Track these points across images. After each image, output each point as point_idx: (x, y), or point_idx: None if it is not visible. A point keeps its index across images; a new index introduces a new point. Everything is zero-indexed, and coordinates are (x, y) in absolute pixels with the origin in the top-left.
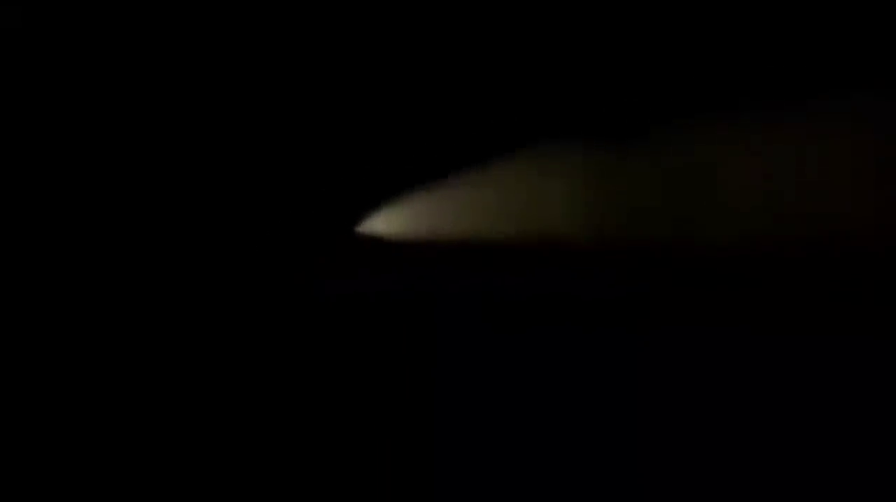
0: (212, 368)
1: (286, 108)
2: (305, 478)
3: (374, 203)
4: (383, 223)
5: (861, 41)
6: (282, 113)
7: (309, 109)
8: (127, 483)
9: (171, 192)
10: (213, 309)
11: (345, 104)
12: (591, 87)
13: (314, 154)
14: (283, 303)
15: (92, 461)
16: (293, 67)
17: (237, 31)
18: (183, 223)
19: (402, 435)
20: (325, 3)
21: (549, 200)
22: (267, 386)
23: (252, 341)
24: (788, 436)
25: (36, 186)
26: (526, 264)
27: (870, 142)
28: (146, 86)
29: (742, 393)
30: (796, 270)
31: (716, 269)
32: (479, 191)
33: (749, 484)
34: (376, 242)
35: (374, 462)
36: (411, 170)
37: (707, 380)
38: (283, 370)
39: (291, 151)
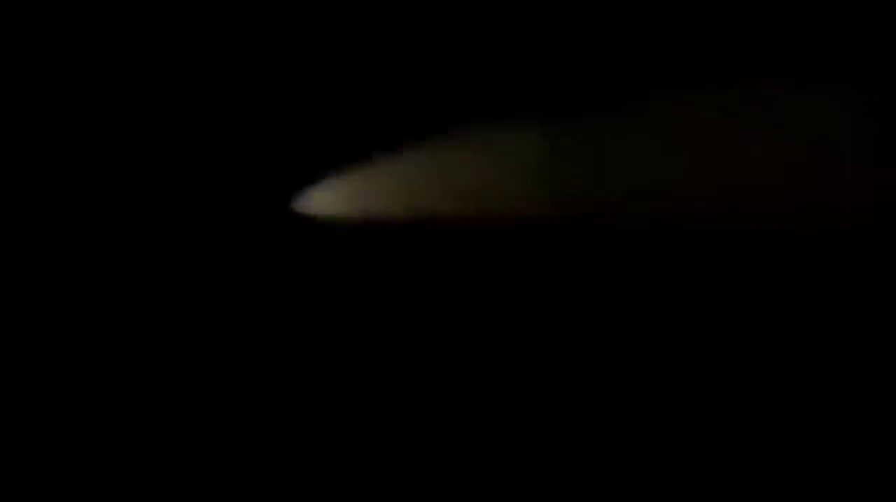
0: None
1: (226, 89)
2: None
3: (319, 180)
4: (325, 201)
5: (824, 28)
6: (221, 94)
7: (249, 88)
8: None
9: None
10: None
11: (289, 79)
12: (545, 66)
13: (254, 135)
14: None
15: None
16: (231, 48)
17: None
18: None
19: None
20: None
21: (499, 178)
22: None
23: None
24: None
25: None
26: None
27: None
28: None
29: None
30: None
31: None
32: (424, 168)
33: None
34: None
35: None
36: (354, 148)
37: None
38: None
39: (229, 133)
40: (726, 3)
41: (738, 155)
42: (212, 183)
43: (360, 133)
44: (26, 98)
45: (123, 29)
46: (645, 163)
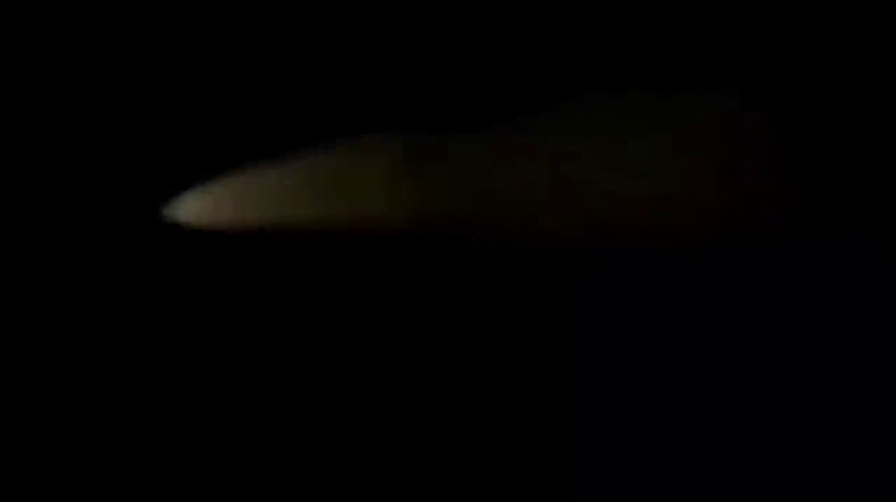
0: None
1: (85, 99)
2: None
3: (187, 189)
4: (195, 209)
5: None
6: (80, 103)
7: (110, 97)
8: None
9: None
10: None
11: (158, 89)
12: (408, 81)
13: (122, 141)
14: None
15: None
16: (95, 54)
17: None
18: None
19: None
20: None
21: (361, 190)
22: None
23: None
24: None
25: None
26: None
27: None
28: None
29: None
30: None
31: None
32: (289, 178)
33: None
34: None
35: None
36: (223, 157)
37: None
38: None
39: (88, 142)
40: (596, 17)
41: (607, 173)
42: (79, 189)
43: (229, 142)
44: (26, 98)
45: (126, 30)
46: (499, 181)
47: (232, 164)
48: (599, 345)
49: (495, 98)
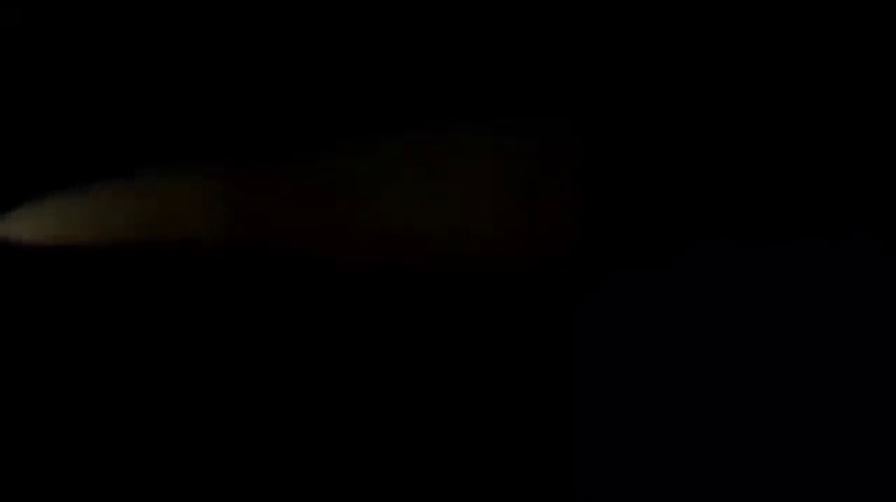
0: None
1: None
2: None
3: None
4: (17, 227)
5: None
6: None
7: None
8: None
9: None
10: None
11: None
12: (238, 110)
13: None
14: None
15: None
16: None
17: None
18: None
19: None
20: None
21: (187, 214)
22: None
23: None
24: None
25: None
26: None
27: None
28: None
29: None
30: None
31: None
32: (115, 199)
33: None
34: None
35: None
36: (50, 176)
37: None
38: None
39: None
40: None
41: (418, 204)
42: None
43: (54, 162)
44: (26, 98)
45: (129, 30)
46: (315, 210)
47: (55, 184)
48: (598, 358)
49: (314, 125)
